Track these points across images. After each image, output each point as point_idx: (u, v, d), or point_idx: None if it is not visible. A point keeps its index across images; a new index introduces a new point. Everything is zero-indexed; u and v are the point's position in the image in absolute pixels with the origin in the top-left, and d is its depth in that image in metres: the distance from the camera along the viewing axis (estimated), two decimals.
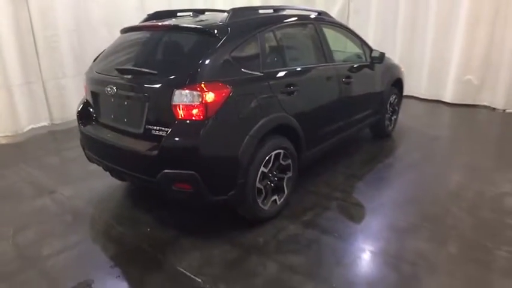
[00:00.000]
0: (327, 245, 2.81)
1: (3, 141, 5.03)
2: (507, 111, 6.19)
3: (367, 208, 3.33)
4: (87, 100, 3.30)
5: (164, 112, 2.61)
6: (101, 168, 3.20)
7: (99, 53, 3.45)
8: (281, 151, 3.01)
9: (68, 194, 3.63)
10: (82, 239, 2.94)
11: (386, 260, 2.64)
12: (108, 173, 3.25)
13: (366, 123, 4.49)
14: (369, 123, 4.59)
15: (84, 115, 3.28)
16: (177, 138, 2.56)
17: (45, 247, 2.83)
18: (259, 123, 2.77)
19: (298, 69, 3.36)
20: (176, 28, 3.02)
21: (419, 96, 6.98)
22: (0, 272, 2.57)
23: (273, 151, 2.92)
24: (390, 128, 5.05)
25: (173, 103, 2.54)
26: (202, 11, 3.69)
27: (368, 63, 4.29)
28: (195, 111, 2.52)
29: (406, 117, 5.68)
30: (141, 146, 2.69)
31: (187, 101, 2.52)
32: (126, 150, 2.78)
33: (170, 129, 2.57)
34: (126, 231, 3.02)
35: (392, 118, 5.06)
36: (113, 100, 2.94)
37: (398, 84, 4.98)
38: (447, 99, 6.65)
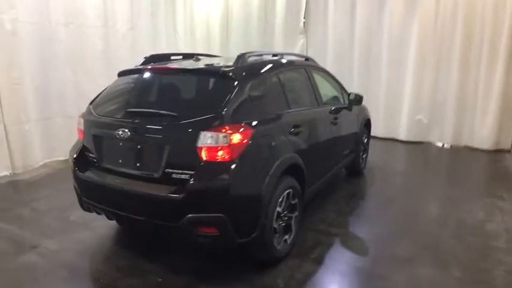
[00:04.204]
0: (343, 279, 2.88)
1: None
2: (453, 147, 6.89)
3: (367, 241, 3.47)
4: (83, 145, 3.13)
5: (187, 154, 2.57)
6: (83, 218, 2.99)
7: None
8: (290, 190, 3.07)
9: (54, 248, 3.30)
10: None
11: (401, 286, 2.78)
12: (91, 223, 3.11)
13: (346, 161, 4.73)
14: (348, 161, 4.83)
15: (81, 161, 3.09)
16: (204, 181, 2.52)
17: None
18: (276, 163, 2.82)
19: (301, 110, 3.51)
20: (189, 71, 3.05)
21: (377, 136, 7.50)
22: None
23: (285, 191, 2.97)
24: (362, 165, 5.35)
25: (198, 145, 2.52)
26: (193, 55, 3.74)
27: (347, 106, 4.59)
28: (220, 153, 2.52)
29: (370, 155, 6.05)
30: (161, 191, 2.59)
31: (212, 142, 2.52)
32: (140, 195, 2.66)
33: (195, 172, 2.53)
34: (135, 282, 2.82)
35: (363, 156, 5.38)
36: (121, 144, 2.82)
37: (368, 124, 5.35)
38: (401, 138, 7.27)
